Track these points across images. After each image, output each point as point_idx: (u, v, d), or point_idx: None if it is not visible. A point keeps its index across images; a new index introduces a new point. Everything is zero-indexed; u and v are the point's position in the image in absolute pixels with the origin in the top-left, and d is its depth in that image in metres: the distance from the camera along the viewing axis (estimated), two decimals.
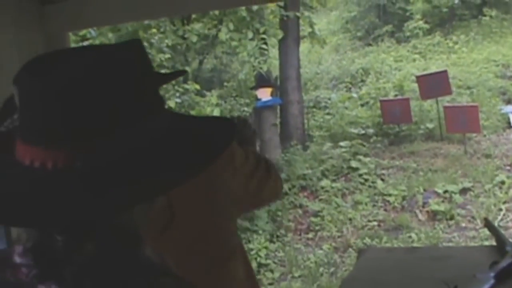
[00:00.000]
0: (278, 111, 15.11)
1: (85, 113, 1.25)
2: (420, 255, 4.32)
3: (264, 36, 12.95)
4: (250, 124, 3.11)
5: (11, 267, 1.31)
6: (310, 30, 15.51)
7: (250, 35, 12.64)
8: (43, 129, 1.28)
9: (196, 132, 1.43)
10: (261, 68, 13.02)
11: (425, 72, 17.54)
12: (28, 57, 4.06)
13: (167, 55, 13.88)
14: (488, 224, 5.00)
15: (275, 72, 15.20)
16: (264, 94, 13.76)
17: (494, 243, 3.93)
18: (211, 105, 12.81)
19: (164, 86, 13.85)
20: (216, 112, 12.39)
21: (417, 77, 16.08)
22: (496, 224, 10.64)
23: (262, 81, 13.76)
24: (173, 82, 15.93)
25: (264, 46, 13.00)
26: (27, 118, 1.32)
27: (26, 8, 5.17)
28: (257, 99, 13.96)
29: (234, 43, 12.60)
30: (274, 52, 15.58)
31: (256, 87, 13.96)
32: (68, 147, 1.25)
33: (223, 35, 12.18)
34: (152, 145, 1.30)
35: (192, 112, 14.31)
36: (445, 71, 15.58)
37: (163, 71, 14.41)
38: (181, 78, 17.72)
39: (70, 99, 1.24)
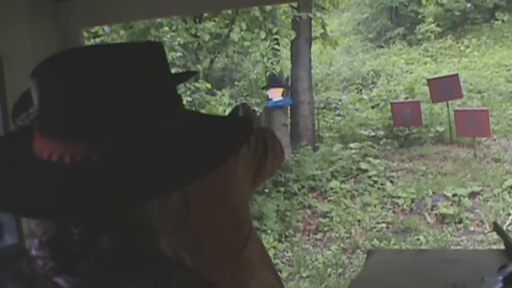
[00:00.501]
0: (289, 111, 15.13)
1: (103, 108, 1.28)
2: (429, 257, 4.34)
3: (276, 36, 12.96)
4: (251, 107, 3.25)
5: (27, 260, 1.34)
6: (322, 31, 15.54)
7: (263, 35, 12.66)
8: (62, 123, 1.30)
9: (213, 129, 1.49)
10: (273, 68, 13.05)
11: (436, 76, 17.55)
12: (42, 52, 4.14)
13: (179, 54, 13.93)
14: (497, 228, 5.02)
15: (286, 73, 15.23)
16: (275, 94, 13.79)
17: (502, 247, 3.96)
18: (223, 105, 12.81)
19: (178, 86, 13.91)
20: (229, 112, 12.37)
21: (428, 80, 16.07)
22: (504, 228, 10.67)
23: (274, 81, 13.79)
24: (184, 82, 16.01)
25: (276, 46, 13.02)
26: (46, 112, 1.34)
27: (40, 5, 5.23)
28: (268, 99, 13.99)
29: (246, 43, 12.62)
30: (285, 52, 15.60)
31: (267, 87, 13.99)
32: (86, 141, 1.27)
33: (235, 35, 12.20)
34: (168, 141, 1.34)
35: (203, 111, 14.37)
36: (456, 75, 15.58)
37: (174, 70, 14.48)
38: (192, 79, 17.81)
39: (89, 94, 1.27)
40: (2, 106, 4.82)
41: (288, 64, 13.68)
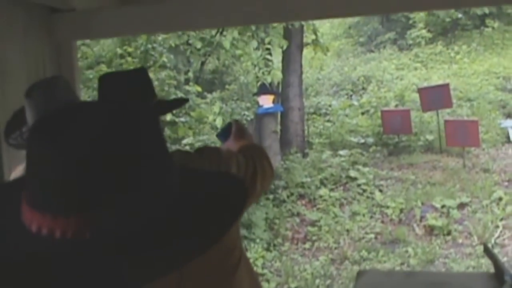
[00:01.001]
0: (279, 117, 15.12)
1: (97, 184, 1.23)
2: (419, 280, 4.36)
3: (269, 46, 12.94)
4: (243, 125, 3.20)
5: None
6: (313, 37, 15.50)
7: (255, 44, 12.63)
8: (53, 198, 1.25)
9: (210, 194, 1.47)
10: (265, 79, 13.02)
11: (427, 85, 17.62)
12: (34, 65, 4.09)
13: (170, 55, 13.94)
14: (487, 250, 5.01)
15: (277, 80, 15.22)
16: (266, 101, 13.79)
17: (492, 267, 3.97)
18: (213, 114, 12.76)
19: (165, 88, 13.87)
20: (219, 121, 12.33)
21: (419, 89, 16.13)
22: (492, 241, 10.70)
23: (265, 88, 13.77)
24: (175, 83, 15.96)
25: (268, 56, 12.98)
26: (36, 184, 1.28)
27: (35, 16, 5.20)
28: (259, 106, 13.97)
29: (238, 52, 12.59)
30: (277, 57, 15.56)
31: (258, 94, 13.97)
32: (79, 217, 1.23)
33: (227, 43, 12.16)
34: (168, 212, 1.30)
35: (193, 114, 14.32)
36: (447, 85, 15.66)
37: (164, 73, 14.44)
38: (182, 79, 17.75)
39: (83, 170, 1.22)
40: None
41: (279, 73, 13.61)
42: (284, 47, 13.56)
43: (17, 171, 3.46)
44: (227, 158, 2.52)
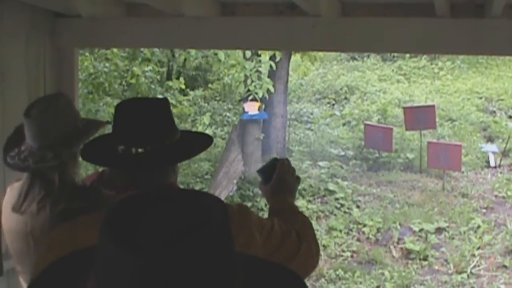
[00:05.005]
0: (261, 123, 15.02)
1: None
2: None
3: (260, 58, 12.84)
4: (293, 168, 2.84)
5: None
6: None
7: (248, 54, 12.55)
8: None
9: None
10: (256, 93, 12.92)
11: (412, 104, 17.68)
12: (35, 68, 4.05)
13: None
14: None
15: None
16: (252, 108, 13.68)
17: None
18: (203, 124, 12.65)
19: (152, 86, 13.71)
20: (210, 131, 12.24)
21: (405, 108, 16.14)
22: (468, 270, 10.69)
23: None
24: (158, 78, 15.79)
25: (260, 69, 12.86)
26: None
27: (39, 21, 5.07)
28: (244, 112, 13.86)
29: (231, 61, 12.51)
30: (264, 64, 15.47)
31: (244, 100, 13.85)
32: None
33: (222, 55, 12.10)
34: None
35: (174, 111, 14.16)
36: (433, 106, 15.68)
37: (148, 68, 14.27)
38: (165, 74, 17.57)
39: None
40: None
41: (271, 87, 13.45)
42: (278, 59, 13.44)
43: (13, 188, 3.36)
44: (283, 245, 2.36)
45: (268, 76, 14.32)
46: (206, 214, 1.22)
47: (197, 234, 1.16)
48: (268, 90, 13.33)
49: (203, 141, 2.47)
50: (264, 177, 2.81)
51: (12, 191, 3.28)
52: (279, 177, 2.74)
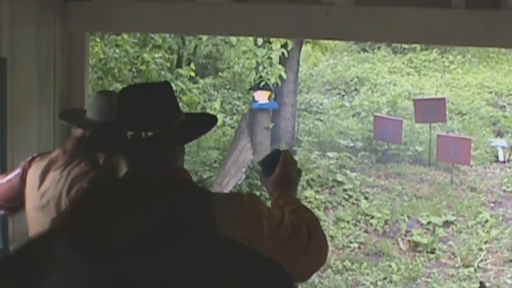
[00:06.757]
0: (271, 112, 14.98)
1: None
2: None
3: (272, 45, 12.83)
4: (295, 161, 2.75)
5: None
6: None
7: (260, 41, 12.54)
8: None
9: None
10: (268, 79, 12.90)
11: (422, 97, 17.59)
12: (46, 54, 4.15)
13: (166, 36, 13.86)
14: None
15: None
16: (262, 97, 13.62)
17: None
18: (213, 110, 12.65)
19: (162, 72, 13.72)
20: (220, 119, 12.26)
21: (415, 100, 16.05)
22: (475, 264, 10.67)
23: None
24: (168, 65, 15.79)
25: (272, 56, 12.85)
26: None
27: (50, 4, 5.06)
28: (254, 101, 13.82)
29: (243, 48, 12.50)
30: (275, 53, 15.43)
31: (254, 89, 13.81)
32: None
33: (234, 39, 12.08)
34: None
35: (184, 98, 14.15)
36: (444, 99, 15.61)
37: (159, 54, 14.27)
38: (175, 62, 17.57)
39: None
40: (2, 107, 4.68)
41: (283, 74, 13.41)
42: (290, 47, 13.40)
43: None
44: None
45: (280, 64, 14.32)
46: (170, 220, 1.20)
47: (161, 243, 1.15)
48: (280, 77, 13.31)
49: (208, 120, 2.48)
50: (266, 169, 2.71)
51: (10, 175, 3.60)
52: (282, 170, 2.67)
